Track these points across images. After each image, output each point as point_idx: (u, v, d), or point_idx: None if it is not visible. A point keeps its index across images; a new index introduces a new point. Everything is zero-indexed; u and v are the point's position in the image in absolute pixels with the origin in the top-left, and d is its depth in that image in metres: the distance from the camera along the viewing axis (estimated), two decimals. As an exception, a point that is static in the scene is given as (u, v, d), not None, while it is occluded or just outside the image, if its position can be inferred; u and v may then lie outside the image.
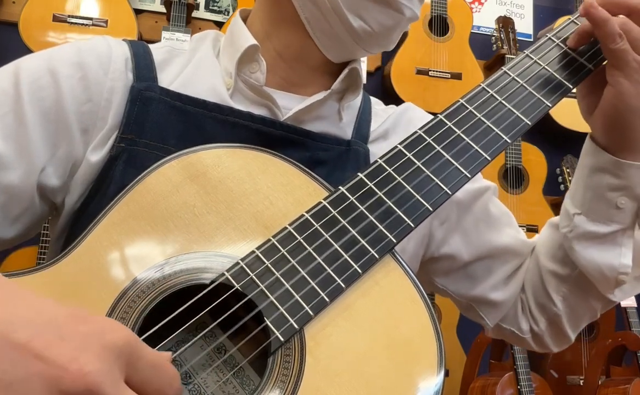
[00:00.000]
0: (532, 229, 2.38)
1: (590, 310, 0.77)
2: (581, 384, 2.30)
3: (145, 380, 0.37)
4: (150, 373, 0.37)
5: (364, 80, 0.76)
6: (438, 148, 0.59)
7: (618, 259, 0.69)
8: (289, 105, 0.70)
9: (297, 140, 0.68)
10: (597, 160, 0.68)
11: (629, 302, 2.24)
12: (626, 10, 0.62)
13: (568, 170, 2.49)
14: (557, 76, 0.63)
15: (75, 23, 2.12)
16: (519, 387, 2.08)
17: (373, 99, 0.81)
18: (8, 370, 0.33)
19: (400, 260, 0.54)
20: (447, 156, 0.58)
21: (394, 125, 0.78)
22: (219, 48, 0.73)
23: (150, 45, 0.72)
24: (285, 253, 0.52)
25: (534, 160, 2.48)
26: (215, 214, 0.54)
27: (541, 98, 0.61)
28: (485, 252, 0.80)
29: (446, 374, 0.49)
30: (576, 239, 0.71)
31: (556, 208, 2.50)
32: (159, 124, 0.64)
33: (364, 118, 0.76)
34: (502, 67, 0.63)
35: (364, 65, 0.76)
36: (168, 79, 0.68)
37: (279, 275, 0.51)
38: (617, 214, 0.68)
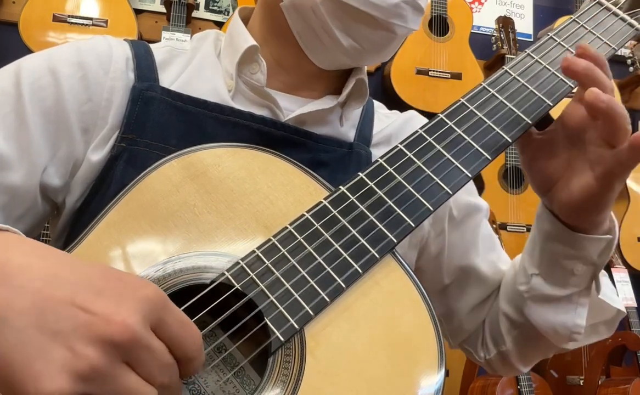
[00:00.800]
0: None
1: (542, 353, 0.77)
2: (581, 384, 2.30)
3: (172, 333, 0.40)
4: (177, 328, 0.40)
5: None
6: (438, 147, 0.58)
7: (572, 320, 0.68)
8: (290, 107, 0.69)
9: (298, 141, 0.67)
10: (552, 228, 0.65)
11: (629, 302, 2.23)
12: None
13: (568, 170, 2.49)
14: (559, 75, 0.62)
15: (75, 23, 2.12)
16: (518, 387, 2.08)
17: (376, 103, 0.81)
18: (55, 320, 0.36)
19: (401, 260, 0.54)
20: (447, 156, 0.58)
21: (397, 132, 0.77)
22: (220, 48, 0.73)
23: (151, 45, 0.71)
24: (286, 253, 0.52)
25: (534, 160, 2.48)
26: (216, 214, 0.54)
27: (542, 97, 0.61)
28: (462, 270, 0.79)
29: (446, 374, 0.49)
30: (532, 299, 0.70)
31: (556, 208, 2.49)
32: (160, 124, 0.64)
33: (366, 121, 0.76)
34: (503, 66, 0.63)
35: (364, 65, 0.76)
36: (169, 79, 0.68)
37: (279, 275, 0.51)
38: (573, 279, 0.66)
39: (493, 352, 0.79)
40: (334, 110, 0.71)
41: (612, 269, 2.27)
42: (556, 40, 0.65)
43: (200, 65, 0.70)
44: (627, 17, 0.67)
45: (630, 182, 2.53)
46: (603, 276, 0.69)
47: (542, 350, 0.77)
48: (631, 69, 2.63)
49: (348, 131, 0.73)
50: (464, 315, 0.81)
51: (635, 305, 2.25)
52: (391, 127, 0.77)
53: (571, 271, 0.65)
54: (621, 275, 2.27)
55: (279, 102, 0.68)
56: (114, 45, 0.67)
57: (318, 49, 0.67)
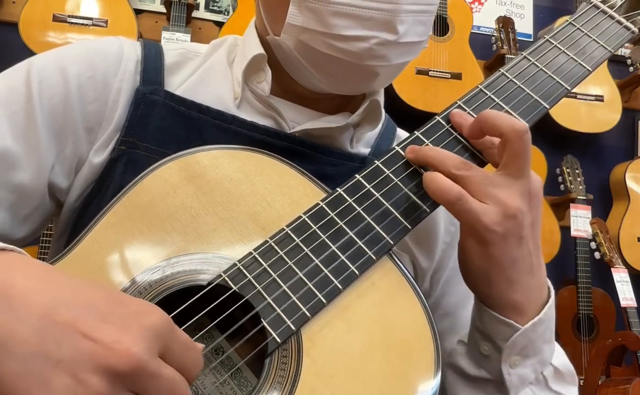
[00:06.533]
0: (532, 229, 2.38)
1: None
2: (581, 384, 2.30)
3: (178, 358, 0.39)
4: (182, 353, 0.40)
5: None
6: None
7: None
8: (298, 120, 0.68)
9: (302, 152, 0.65)
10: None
11: (629, 302, 2.23)
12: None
13: (568, 170, 2.49)
14: (555, 78, 0.63)
15: (75, 23, 2.12)
16: (518, 387, 2.08)
17: (398, 129, 0.78)
18: (57, 348, 0.36)
19: (398, 261, 0.55)
20: None
21: None
22: (235, 54, 0.71)
23: (165, 47, 0.70)
24: (283, 254, 0.52)
25: (534, 160, 2.45)
26: (213, 216, 0.54)
27: (539, 99, 0.61)
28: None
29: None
30: (448, 366, 0.63)
31: (556, 208, 2.49)
32: (161, 128, 0.64)
33: (386, 136, 0.74)
34: (500, 69, 0.63)
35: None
36: (176, 83, 0.67)
37: (276, 277, 0.51)
38: (485, 361, 0.59)
39: None
40: (344, 130, 0.69)
41: (612, 269, 2.27)
42: (553, 43, 0.65)
43: (209, 71, 0.69)
44: (623, 20, 0.67)
45: (630, 182, 2.53)
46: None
47: None
48: (631, 69, 2.63)
49: (360, 149, 0.71)
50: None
51: (635, 305, 2.25)
52: None
53: (479, 349, 0.59)
54: (621, 275, 2.27)
55: (286, 113, 0.67)
56: (125, 47, 0.67)
57: (306, 80, 0.66)
